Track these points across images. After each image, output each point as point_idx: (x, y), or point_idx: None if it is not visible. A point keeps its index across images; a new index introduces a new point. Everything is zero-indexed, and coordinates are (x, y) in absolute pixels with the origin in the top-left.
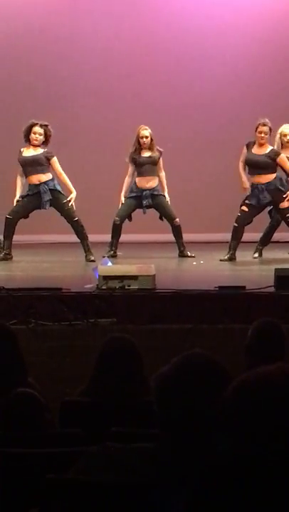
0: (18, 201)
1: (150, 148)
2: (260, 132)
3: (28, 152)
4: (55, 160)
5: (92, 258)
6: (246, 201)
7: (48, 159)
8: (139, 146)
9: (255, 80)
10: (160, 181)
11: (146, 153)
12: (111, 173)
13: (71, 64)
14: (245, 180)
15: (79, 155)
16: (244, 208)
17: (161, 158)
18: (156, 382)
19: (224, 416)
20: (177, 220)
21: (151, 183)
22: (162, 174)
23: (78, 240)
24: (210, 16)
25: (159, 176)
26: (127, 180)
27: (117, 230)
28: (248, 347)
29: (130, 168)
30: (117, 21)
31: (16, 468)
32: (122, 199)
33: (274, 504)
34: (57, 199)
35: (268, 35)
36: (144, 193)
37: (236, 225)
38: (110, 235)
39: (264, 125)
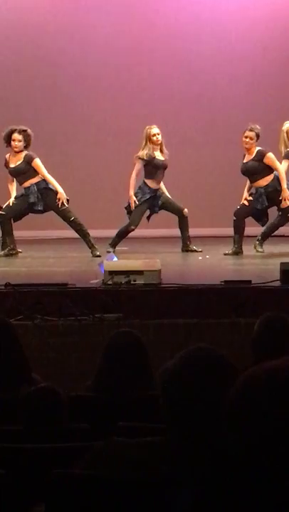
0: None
1: (161, 148)
2: (246, 137)
3: (12, 161)
4: (36, 162)
5: (98, 253)
6: (250, 197)
7: (29, 163)
8: (151, 146)
9: (260, 75)
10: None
11: (158, 155)
12: (114, 168)
13: (73, 60)
14: (245, 193)
15: (82, 150)
16: (245, 202)
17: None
18: (162, 376)
19: (232, 411)
20: (186, 210)
21: (160, 185)
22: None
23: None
24: (214, 10)
25: None
26: (135, 177)
27: (126, 235)
28: (254, 341)
29: (138, 166)
30: (118, 16)
31: (22, 462)
32: (134, 198)
33: (283, 499)
34: (51, 199)
35: (272, 30)
36: (157, 192)
37: (234, 218)
38: (116, 240)
39: (251, 130)
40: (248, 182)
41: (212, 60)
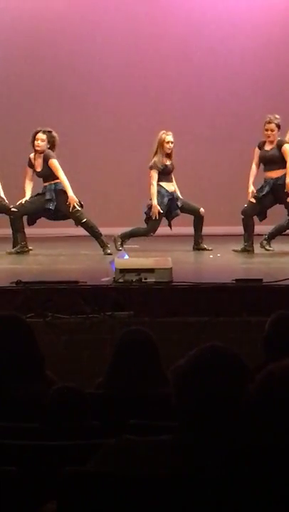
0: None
1: (171, 154)
2: (267, 130)
3: (37, 165)
4: (52, 162)
5: (109, 251)
6: (256, 194)
7: (47, 162)
8: (163, 152)
9: (268, 73)
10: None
11: (168, 161)
12: (121, 167)
13: (79, 59)
14: (251, 187)
15: (88, 149)
16: (252, 199)
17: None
18: (174, 374)
19: (251, 408)
20: (202, 210)
21: (172, 185)
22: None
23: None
24: (221, 5)
25: None
26: (156, 186)
27: (140, 236)
28: (265, 340)
29: (155, 175)
30: (123, 14)
31: (34, 460)
32: (158, 208)
33: None
34: (63, 202)
35: (279, 24)
36: (174, 195)
37: (242, 216)
38: (129, 235)
39: (270, 122)
40: (252, 177)
41: (219, 56)
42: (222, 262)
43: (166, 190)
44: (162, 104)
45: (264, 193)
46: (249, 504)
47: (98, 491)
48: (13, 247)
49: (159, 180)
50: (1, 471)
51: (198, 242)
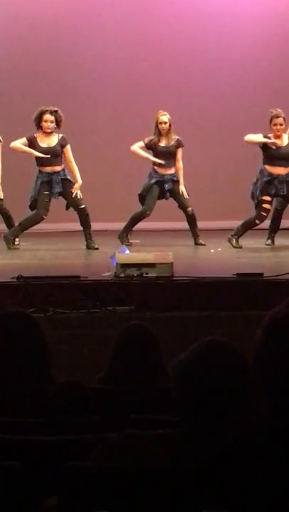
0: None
1: (167, 135)
2: (275, 124)
3: (43, 142)
4: (68, 148)
5: (96, 246)
6: (265, 197)
7: (63, 146)
8: (158, 132)
9: (272, 68)
10: (177, 172)
11: (163, 142)
12: (122, 162)
13: (81, 51)
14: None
15: (91, 144)
16: (266, 205)
17: (180, 149)
18: (175, 369)
19: (258, 352)
20: (190, 209)
21: (170, 170)
22: (179, 165)
23: (95, 228)
24: (227, 2)
25: (176, 167)
26: (135, 147)
27: (140, 220)
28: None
29: (139, 143)
30: (124, 9)
31: (35, 455)
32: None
33: None
34: (65, 188)
35: (283, 18)
36: (165, 177)
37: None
38: (129, 223)
39: (278, 117)
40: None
41: (230, 54)
42: (223, 256)
43: (156, 172)
44: (163, 96)
45: (273, 192)
46: (249, 496)
47: (99, 485)
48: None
49: (153, 163)
50: (2, 466)
51: (195, 238)
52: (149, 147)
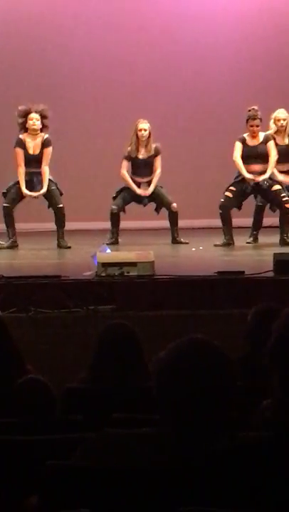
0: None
1: (146, 144)
2: (252, 126)
3: (31, 147)
4: (49, 150)
5: (68, 245)
6: (231, 187)
7: (45, 147)
8: (136, 141)
9: (252, 66)
10: (153, 176)
11: (142, 152)
12: (110, 160)
13: (70, 50)
14: (246, 173)
15: (78, 142)
16: (228, 193)
17: (159, 157)
18: (154, 366)
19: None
20: (174, 205)
21: (146, 179)
22: (157, 172)
23: (76, 228)
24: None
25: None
26: (125, 174)
27: (115, 219)
28: (248, 331)
29: (125, 164)
30: (116, 6)
31: (16, 455)
32: (138, 191)
33: None
34: (48, 187)
35: (268, 19)
36: (141, 185)
37: (220, 211)
38: (110, 224)
39: (254, 119)
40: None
41: (212, 48)
42: (204, 254)
43: (134, 181)
44: (154, 96)
45: (239, 188)
46: (234, 496)
47: (80, 485)
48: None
49: (132, 172)
50: None
51: (174, 236)
52: (129, 159)
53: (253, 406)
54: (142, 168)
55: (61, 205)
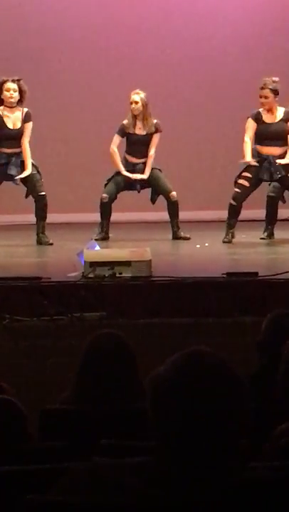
0: None
1: (144, 118)
2: (260, 96)
3: (9, 121)
4: (29, 125)
5: (51, 241)
6: (246, 174)
7: (25, 122)
8: (132, 115)
9: (264, 35)
10: (148, 159)
11: (139, 129)
12: (102, 142)
13: (63, 18)
14: (250, 158)
15: (62, 119)
16: (243, 181)
17: (156, 135)
18: (151, 385)
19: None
20: (174, 193)
21: (143, 159)
22: (151, 153)
23: (58, 221)
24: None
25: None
26: (114, 151)
27: (106, 209)
28: (261, 343)
29: (117, 139)
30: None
31: None
32: (125, 173)
33: None
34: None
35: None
36: (137, 166)
37: (234, 203)
38: (100, 215)
39: (262, 88)
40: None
41: (213, 22)
42: (210, 252)
43: (127, 161)
44: (155, 72)
45: (266, 176)
46: None
47: None
48: None
49: (126, 150)
50: None
51: (174, 231)
52: (123, 135)
53: (266, 432)
54: (138, 145)
55: (43, 193)
